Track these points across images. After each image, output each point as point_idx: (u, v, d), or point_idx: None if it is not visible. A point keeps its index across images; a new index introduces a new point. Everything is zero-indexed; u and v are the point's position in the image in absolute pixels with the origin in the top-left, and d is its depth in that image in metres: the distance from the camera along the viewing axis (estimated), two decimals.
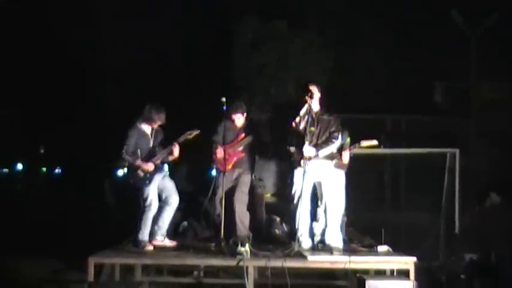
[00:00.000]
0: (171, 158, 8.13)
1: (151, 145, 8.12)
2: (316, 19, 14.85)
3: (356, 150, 8.22)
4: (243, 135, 8.37)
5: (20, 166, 22.42)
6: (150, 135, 8.14)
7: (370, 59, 15.43)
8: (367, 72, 15.38)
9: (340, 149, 8.06)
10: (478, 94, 15.16)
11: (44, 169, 23.12)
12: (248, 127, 8.49)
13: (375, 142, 8.13)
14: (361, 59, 15.22)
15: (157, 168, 8.07)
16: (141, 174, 7.94)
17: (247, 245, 7.27)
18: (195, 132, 8.00)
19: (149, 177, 7.93)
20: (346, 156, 8.04)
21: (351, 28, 15.18)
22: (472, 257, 9.11)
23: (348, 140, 8.32)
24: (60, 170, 22.69)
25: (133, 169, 7.97)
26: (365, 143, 8.07)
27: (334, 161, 7.95)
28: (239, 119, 8.44)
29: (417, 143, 12.38)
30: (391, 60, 15.46)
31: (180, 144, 8.01)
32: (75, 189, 16.45)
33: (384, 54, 15.41)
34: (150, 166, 7.94)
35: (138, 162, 7.92)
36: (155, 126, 8.15)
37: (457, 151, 10.37)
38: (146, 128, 8.14)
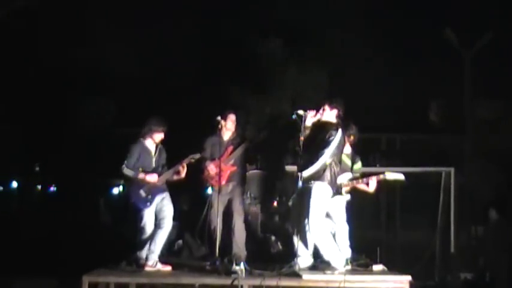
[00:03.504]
0: (176, 178, 8.04)
1: (153, 163, 7.98)
2: (311, 38, 14.93)
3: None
4: (231, 148, 8.34)
5: (14, 184, 22.33)
6: (153, 153, 8.01)
7: (365, 78, 15.50)
8: (362, 91, 15.41)
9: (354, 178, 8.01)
10: (473, 113, 15.20)
11: (39, 187, 23.03)
12: (237, 139, 8.45)
13: (401, 177, 8.01)
14: (356, 77, 15.29)
15: (160, 188, 7.95)
16: (143, 194, 7.81)
17: (242, 263, 7.26)
18: (197, 156, 7.97)
19: (150, 198, 7.81)
20: (372, 185, 7.95)
21: (346, 47, 15.26)
22: (467, 276, 9.11)
23: (360, 163, 8.22)
24: (55, 188, 22.60)
25: (135, 187, 7.84)
26: (391, 176, 7.99)
27: (345, 188, 7.89)
28: (232, 120, 8.40)
29: (412, 162, 12.40)
30: (386, 79, 15.52)
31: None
32: (70, 207, 16.38)
33: (379, 73, 15.48)
34: (154, 177, 7.82)
35: (141, 175, 7.79)
36: (158, 140, 8.00)
37: (452, 170, 10.38)
38: (150, 145, 8.00)
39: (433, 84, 16.01)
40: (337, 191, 7.66)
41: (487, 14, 15.19)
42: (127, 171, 7.80)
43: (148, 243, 7.85)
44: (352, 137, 7.98)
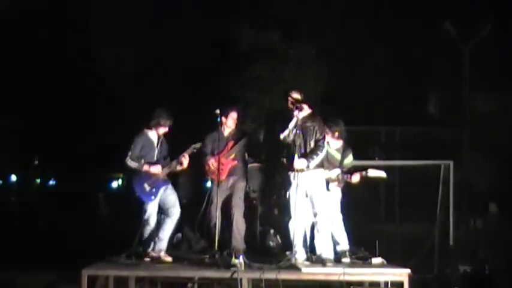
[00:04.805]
0: (179, 168, 8.02)
1: (155, 154, 7.97)
2: (310, 31, 14.92)
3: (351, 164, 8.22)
4: (232, 143, 8.34)
5: (14, 177, 22.36)
6: (156, 144, 8.00)
7: (364, 71, 15.51)
8: (361, 84, 15.43)
9: (344, 171, 8.05)
10: (471, 106, 15.20)
11: (38, 180, 23.07)
12: (238, 134, 8.45)
13: (383, 174, 8.10)
14: (355, 70, 15.29)
15: (162, 180, 7.94)
16: (147, 188, 7.82)
17: (241, 256, 7.26)
18: (198, 146, 7.97)
19: (155, 191, 7.82)
20: (355, 179, 8.02)
21: (345, 40, 15.26)
22: (466, 269, 9.11)
23: (351, 156, 8.24)
24: (54, 181, 22.64)
25: (139, 181, 7.84)
26: (372, 173, 8.04)
27: (333, 183, 7.96)
28: (233, 118, 8.41)
29: (411, 155, 12.39)
30: (385, 72, 15.53)
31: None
32: (69, 201, 16.41)
33: (378, 66, 15.48)
34: (158, 168, 7.82)
35: (146, 167, 7.79)
36: (161, 132, 8.01)
37: (451, 163, 10.36)
38: (153, 136, 7.99)
39: (432, 76, 16.02)
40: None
41: (485, 7, 15.19)
42: (131, 163, 7.80)
43: (157, 231, 7.89)
44: (337, 133, 8.00)
